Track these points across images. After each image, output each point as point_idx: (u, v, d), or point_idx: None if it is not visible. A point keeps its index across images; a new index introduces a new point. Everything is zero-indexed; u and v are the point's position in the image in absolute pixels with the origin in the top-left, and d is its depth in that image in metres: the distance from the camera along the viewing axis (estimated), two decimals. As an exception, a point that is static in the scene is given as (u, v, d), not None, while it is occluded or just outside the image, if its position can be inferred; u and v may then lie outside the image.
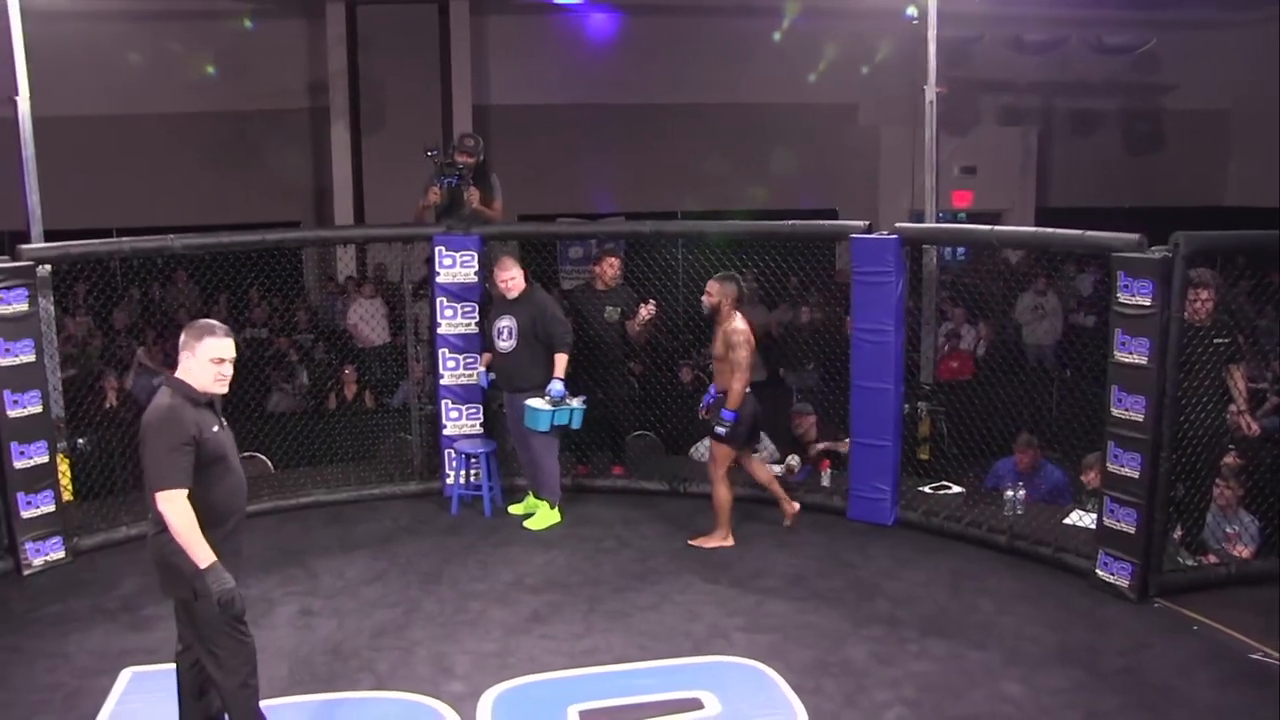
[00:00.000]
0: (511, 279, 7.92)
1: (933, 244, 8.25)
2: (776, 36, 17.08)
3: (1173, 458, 6.49)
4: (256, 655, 4.67)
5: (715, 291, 7.38)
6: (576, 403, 7.90)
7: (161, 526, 4.38)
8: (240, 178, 16.14)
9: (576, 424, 7.97)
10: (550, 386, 7.79)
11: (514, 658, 5.94)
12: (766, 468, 7.97)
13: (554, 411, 7.79)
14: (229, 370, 4.58)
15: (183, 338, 4.56)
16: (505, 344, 7.96)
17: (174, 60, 16.19)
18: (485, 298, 8.35)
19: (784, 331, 12.32)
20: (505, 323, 7.95)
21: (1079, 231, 6.93)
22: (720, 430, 7.37)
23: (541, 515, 8.03)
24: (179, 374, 4.55)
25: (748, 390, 7.41)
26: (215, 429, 4.54)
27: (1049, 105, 18.32)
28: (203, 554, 4.30)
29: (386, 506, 8.44)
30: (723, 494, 7.56)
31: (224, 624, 4.46)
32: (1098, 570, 6.73)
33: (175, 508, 4.31)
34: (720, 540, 7.57)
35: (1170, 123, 18.27)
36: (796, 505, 7.81)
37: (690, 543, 7.57)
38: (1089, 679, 5.63)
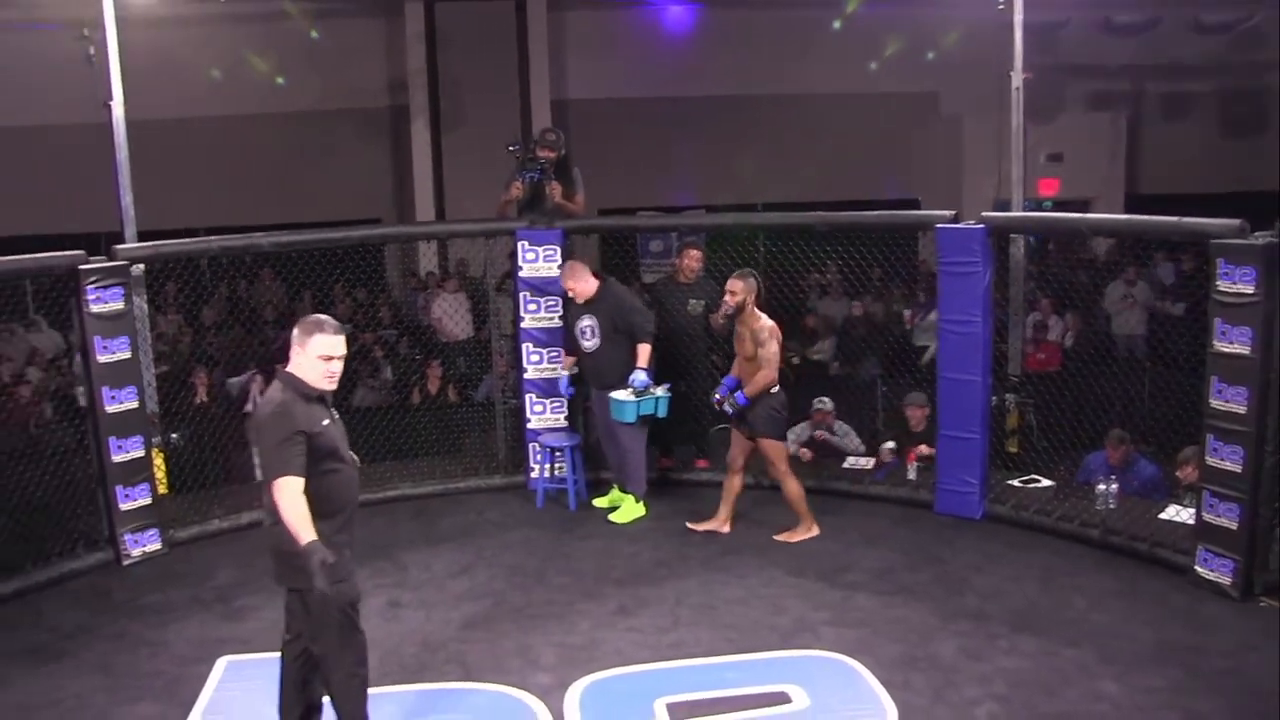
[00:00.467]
0: (577, 287, 7.94)
1: (1021, 233, 8.11)
2: (851, 26, 16.93)
3: (1278, 451, 6.29)
4: (367, 648, 4.74)
5: (740, 290, 7.34)
6: (661, 391, 7.86)
7: (277, 517, 4.42)
8: (322, 176, 16.35)
9: (662, 412, 7.92)
10: (633, 377, 7.77)
11: (600, 650, 5.95)
12: (742, 479, 7.85)
13: (639, 402, 7.76)
14: (338, 367, 4.62)
15: (295, 332, 4.61)
16: (589, 343, 7.99)
17: (257, 62, 16.46)
18: (565, 295, 8.37)
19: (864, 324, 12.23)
20: (587, 322, 7.97)
21: (1175, 218, 6.74)
22: (729, 409, 7.43)
23: (626, 508, 8.02)
24: (290, 368, 4.61)
25: (776, 388, 7.39)
26: (325, 423, 4.56)
27: (1140, 89, 17.88)
28: (305, 533, 4.30)
29: (471, 500, 8.49)
30: (793, 487, 7.53)
31: (336, 614, 4.51)
32: (1197, 567, 6.55)
33: (286, 493, 4.36)
34: (806, 532, 7.52)
35: (1273, 103, 17.59)
36: (726, 529, 7.73)
37: (776, 538, 7.52)
38: (1188, 680, 5.47)
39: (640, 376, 7.78)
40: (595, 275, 8.03)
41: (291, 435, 4.40)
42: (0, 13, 14.78)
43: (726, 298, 7.40)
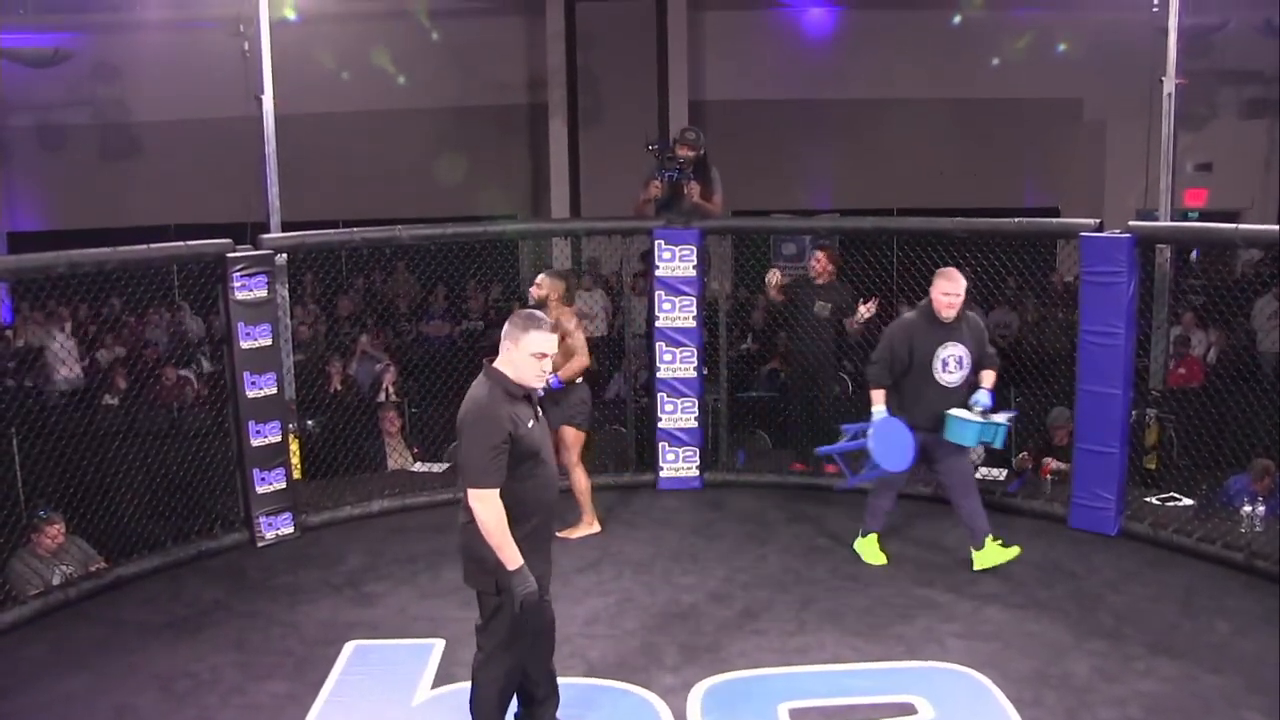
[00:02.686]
0: (957, 303, 6.87)
1: (1170, 243, 7.85)
2: (992, 29, 16.61)
3: None
4: (520, 673, 4.74)
5: (544, 285, 7.44)
6: (1003, 418, 6.94)
7: (471, 517, 4.40)
8: (460, 172, 16.61)
9: (1000, 443, 7.15)
10: (975, 397, 6.86)
11: (725, 652, 5.93)
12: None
13: (983, 425, 6.83)
14: (550, 365, 4.56)
15: (506, 327, 4.52)
16: (953, 376, 6.90)
17: (399, 59, 16.79)
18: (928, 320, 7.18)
19: (1006, 338, 11.96)
20: (953, 351, 6.88)
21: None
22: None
23: (990, 553, 7.03)
24: (499, 363, 4.52)
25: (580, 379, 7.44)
26: (530, 424, 4.49)
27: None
28: (510, 555, 4.32)
29: (600, 497, 8.48)
30: (580, 480, 7.69)
31: (509, 628, 4.51)
32: (1350, 596, 6.28)
33: (487, 507, 4.33)
34: (587, 528, 7.69)
35: None
36: (596, 528, 7.73)
37: (559, 534, 7.00)
38: (1343, 715, 5.21)
39: (984, 398, 6.88)
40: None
41: (497, 444, 4.33)
42: (161, 12, 15.32)
43: (532, 289, 7.51)
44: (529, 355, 4.44)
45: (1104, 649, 5.91)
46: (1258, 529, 7.18)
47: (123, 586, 6.91)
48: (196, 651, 6.03)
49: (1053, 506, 7.91)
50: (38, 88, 16.87)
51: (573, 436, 7.57)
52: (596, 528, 7.73)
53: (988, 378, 7.00)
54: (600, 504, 8.32)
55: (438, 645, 5.96)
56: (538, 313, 4.58)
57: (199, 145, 15.78)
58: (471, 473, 4.36)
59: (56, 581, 6.75)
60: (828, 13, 17.15)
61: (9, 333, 13.26)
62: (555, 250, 13.01)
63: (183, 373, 11.19)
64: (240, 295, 7.42)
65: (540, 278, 7.54)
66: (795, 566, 7.14)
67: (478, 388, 4.48)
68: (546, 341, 4.46)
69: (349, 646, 6.06)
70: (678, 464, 8.53)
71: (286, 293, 7.93)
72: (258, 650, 6.06)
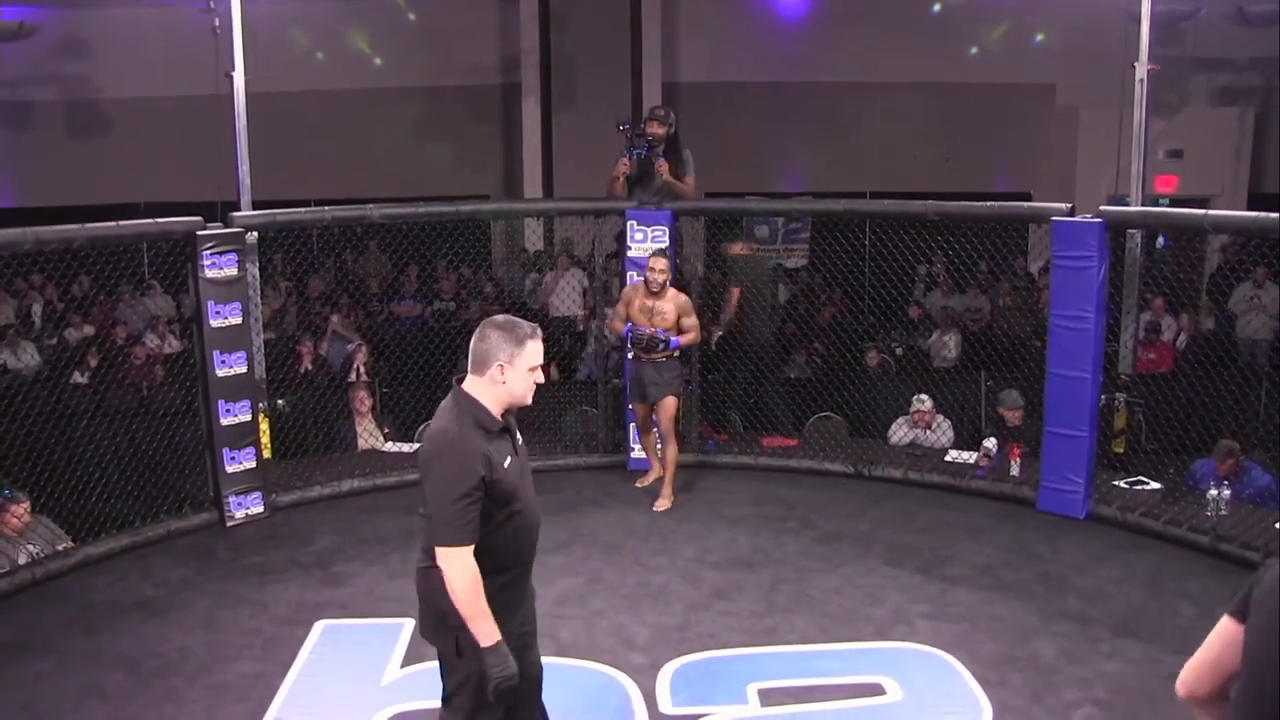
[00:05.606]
0: None
1: (1140, 228, 7.90)
2: (967, 14, 16.64)
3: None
4: None
5: (666, 268, 7.76)
6: None
7: (432, 560, 3.69)
8: (433, 152, 16.54)
9: None
10: None
11: (694, 632, 5.95)
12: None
13: None
14: (541, 377, 3.87)
15: (492, 340, 3.73)
16: None
17: (372, 37, 16.69)
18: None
19: (978, 322, 12.03)
20: None
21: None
22: None
23: None
24: (474, 388, 3.76)
25: None
26: (508, 461, 3.74)
27: (1271, 83, 17.28)
28: (485, 629, 3.63)
29: (570, 478, 8.53)
30: (672, 452, 7.87)
31: (474, 705, 3.79)
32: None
33: (456, 570, 3.61)
34: (666, 501, 7.86)
35: None
36: (668, 505, 7.85)
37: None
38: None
39: None
40: None
41: (468, 492, 3.58)
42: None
43: (656, 275, 7.71)
44: (525, 371, 3.76)
45: (1070, 630, 5.96)
46: (1223, 512, 7.23)
47: (90, 566, 6.87)
48: (165, 631, 6.00)
49: (1022, 490, 7.97)
50: (2, 63, 16.66)
51: (674, 405, 7.72)
52: (668, 504, 7.78)
53: None
54: (571, 485, 8.35)
55: (407, 625, 5.92)
56: (519, 320, 3.83)
57: (169, 123, 15.64)
58: (438, 528, 3.63)
59: (23, 561, 6.70)
60: (802, -5, 17.16)
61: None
62: (528, 231, 13.01)
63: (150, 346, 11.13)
64: (210, 273, 7.35)
65: (661, 261, 7.71)
66: (765, 547, 7.16)
67: (444, 418, 3.73)
68: (540, 350, 3.81)
69: (318, 626, 6.05)
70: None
71: (257, 271, 7.88)
72: (226, 630, 6.04)
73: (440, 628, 3.78)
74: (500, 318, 3.84)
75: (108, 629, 6.04)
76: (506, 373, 3.72)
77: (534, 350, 3.76)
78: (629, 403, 8.32)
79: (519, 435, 3.91)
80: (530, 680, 4.04)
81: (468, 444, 3.63)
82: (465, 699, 3.80)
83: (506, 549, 3.77)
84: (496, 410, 3.75)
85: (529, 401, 3.83)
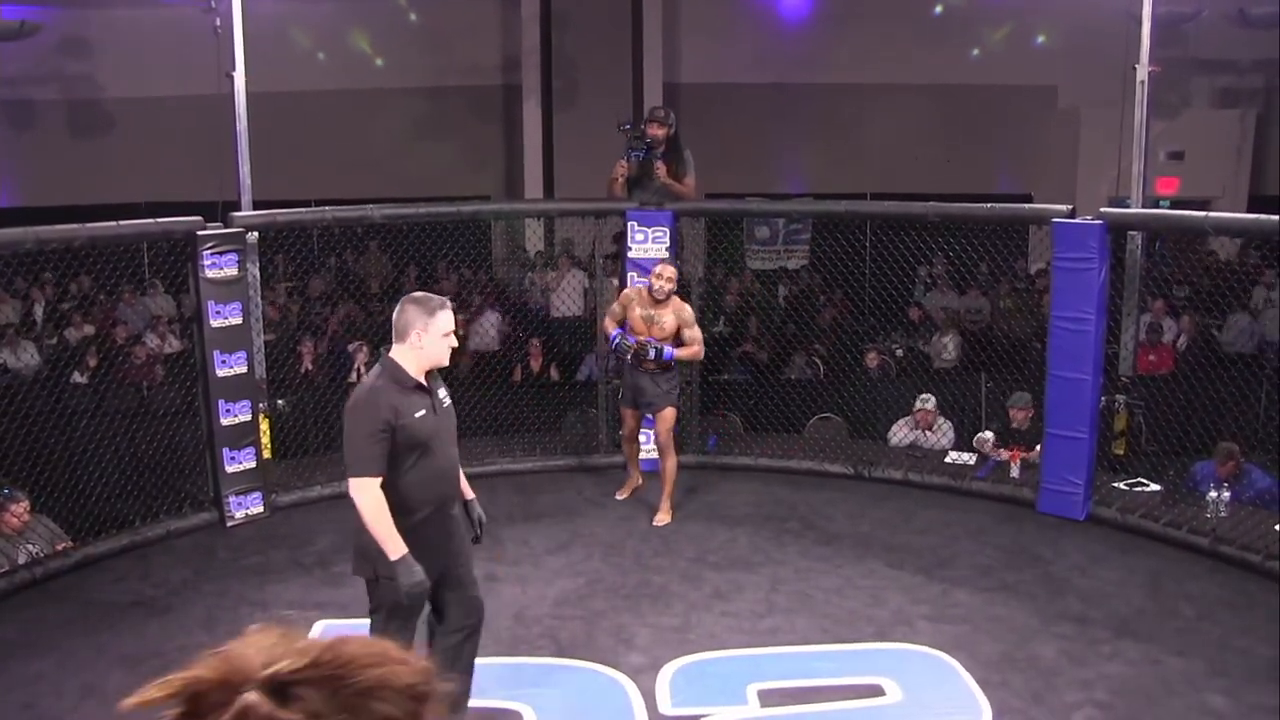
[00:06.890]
0: None
1: (1141, 230, 7.89)
2: (969, 15, 16.64)
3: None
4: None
5: (673, 276, 7.59)
6: None
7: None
8: (433, 152, 16.53)
9: None
10: None
11: (694, 633, 5.94)
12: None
13: None
14: (454, 342, 4.51)
15: (408, 314, 4.40)
16: None
17: (373, 37, 16.69)
18: None
19: (978, 323, 12.02)
20: None
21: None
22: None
23: None
24: (396, 353, 4.44)
25: None
26: (419, 414, 4.39)
27: (1272, 85, 17.28)
28: (392, 545, 4.27)
29: (570, 479, 8.52)
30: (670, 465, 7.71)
31: (395, 614, 4.43)
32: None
33: (363, 495, 4.30)
34: (665, 516, 7.68)
35: None
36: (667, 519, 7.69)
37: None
38: (1306, 699, 5.27)
39: None
40: None
41: (373, 432, 4.28)
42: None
43: (663, 283, 7.52)
44: (441, 336, 4.41)
45: (1071, 632, 5.96)
46: (1222, 514, 7.24)
47: (90, 566, 6.87)
48: (165, 631, 6.00)
49: (1022, 491, 7.96)
50: (3, 62, 16.66)
51: (673, 417, 7.65)
52: (667, 519, 7.62)
53: None
54: (572, 485, 8.35)
55: (407, 625, 5.94)
56: (431, 295, 4.53)
57: (170, 122, 15.63)
58: (350, 463, 4.34)
59: (23, 561, 6.70)
60: (804, -3, 17.16)
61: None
62: (529, 231, 13.01)
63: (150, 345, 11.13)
64: (211, 273, 7.35)
65: (670, 270, 7.59)
66: (765, 548, 7.16)
67: (368, 377, 4.51)
68: (451, 319, 4.45)
69: (318, 626, 6.01)
70: (649, 445, 8.51)
71: (258, 271, 7.87)
72: (226, 630, 5.99)
73: (361, 560, 4.47)
74: (417, 294, 4.52)
75: (108, 629, 6.04)
76: (423, 338, 4.38)
77: (445, 318, 4.41)
78: (619, 406, 8.12)
79: (445, 399, 4.58)
80: (476, 610, 4.75)
81: (379, 395, 4.34)
82: (381, 614, 4.47)
83: (414, 489, 4.40)
84: (416, 371, 4.41)
85: (445, 362, 4.49)
